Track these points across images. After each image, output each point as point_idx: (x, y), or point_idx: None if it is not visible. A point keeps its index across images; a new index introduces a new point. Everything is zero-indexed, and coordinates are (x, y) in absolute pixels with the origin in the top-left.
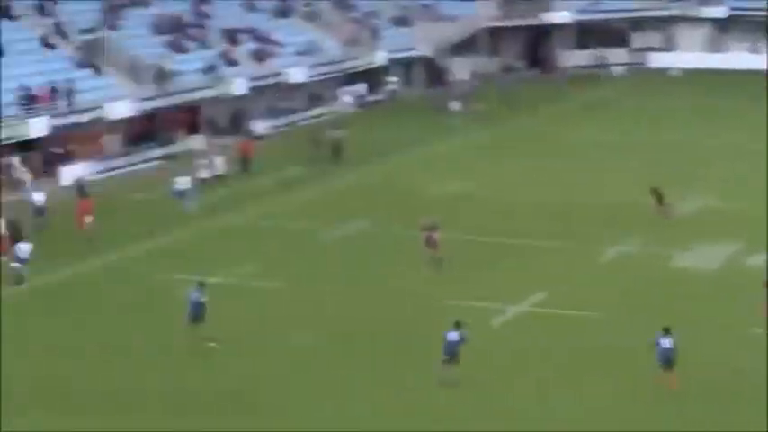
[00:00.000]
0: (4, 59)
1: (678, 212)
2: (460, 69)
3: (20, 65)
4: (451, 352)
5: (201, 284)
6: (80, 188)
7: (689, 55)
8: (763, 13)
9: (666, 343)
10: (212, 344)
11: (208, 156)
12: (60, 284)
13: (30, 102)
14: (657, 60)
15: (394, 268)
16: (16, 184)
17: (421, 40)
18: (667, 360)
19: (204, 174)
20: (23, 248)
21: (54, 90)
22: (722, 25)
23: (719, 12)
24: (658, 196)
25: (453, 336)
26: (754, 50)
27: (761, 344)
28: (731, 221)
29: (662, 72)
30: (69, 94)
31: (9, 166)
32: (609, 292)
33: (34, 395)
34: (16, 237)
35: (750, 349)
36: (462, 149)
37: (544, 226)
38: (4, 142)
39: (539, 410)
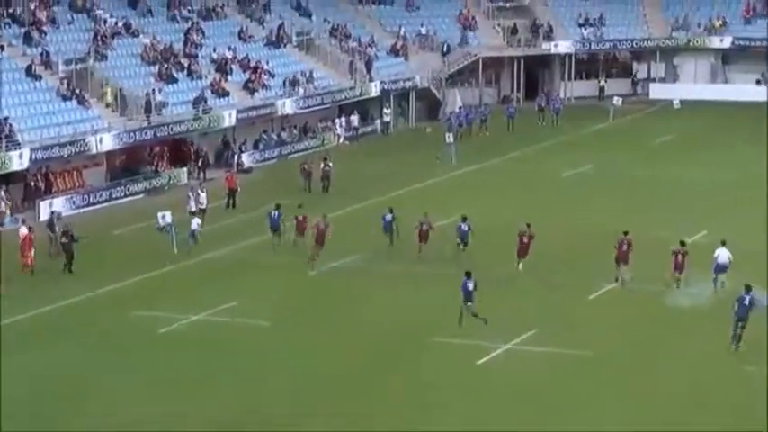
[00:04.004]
0: None
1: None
2: (457, 100)
3: (3, 96)
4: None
5: (278, 206)
6: (50, 223)
7: (691, 86)
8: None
9: (470, 284)
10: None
11: (193, 189)
12: (31, 321)
13: None
14: (660, 91)
15: (380, 305)
16: None
17: (417, 71)
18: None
19: (189, 207)
20: (194, 223)
21: None
22: (725, 56)
23: (723, 42)
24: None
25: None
26: (761, 82)
27: (759, 379)
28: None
29: (664, 103)
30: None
31: None
32: (599, 328)
33: None
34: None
35: (745, 387)
36: (456, 183)
37: (536, 262)
38: None
39: None
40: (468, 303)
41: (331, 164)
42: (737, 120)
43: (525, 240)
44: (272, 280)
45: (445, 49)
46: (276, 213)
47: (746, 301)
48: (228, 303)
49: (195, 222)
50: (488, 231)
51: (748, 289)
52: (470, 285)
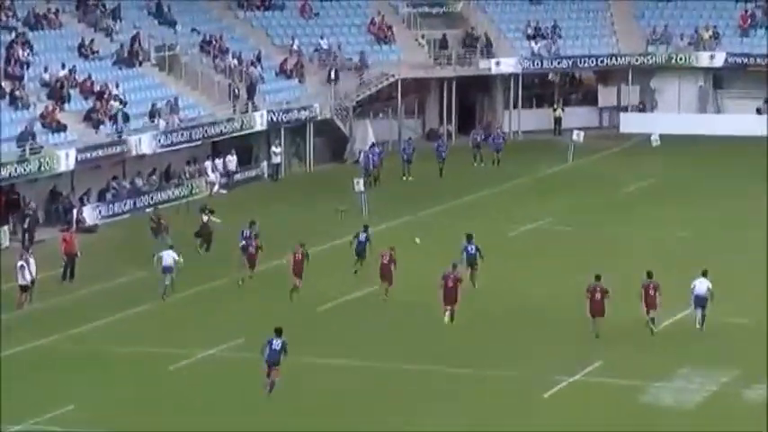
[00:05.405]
0: None
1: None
2: (368, 135)
3: None
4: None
5: (252, 223)
6: None
7: (673, 116)
8: None
9: (277, 344)
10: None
11: (20, 255)
12: None
13: None
14: (633, 123)
15: (267, 411)
16: None
17: (316, 96)
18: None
19: (16, 279)
20: (166, 256)
21: None
22: (717, 77)
23: (714, 59)
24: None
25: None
26: (762, 111)
27: None
28: (721, 340)
29: (639, 139)
30: None
31: None
32: None
33: None
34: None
35: None
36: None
37: (474, 347)
38: None
39: None
40: (273, 366)
41: (214, 218)
42: (732, 160)
43: (450, 284)
44: (121, 375)
45: (333, 75)
46: (248, 232)
47: None
48: (63, 407)
49: (170, 256)
50: (417, 308)
51: None
52: (276, 345)
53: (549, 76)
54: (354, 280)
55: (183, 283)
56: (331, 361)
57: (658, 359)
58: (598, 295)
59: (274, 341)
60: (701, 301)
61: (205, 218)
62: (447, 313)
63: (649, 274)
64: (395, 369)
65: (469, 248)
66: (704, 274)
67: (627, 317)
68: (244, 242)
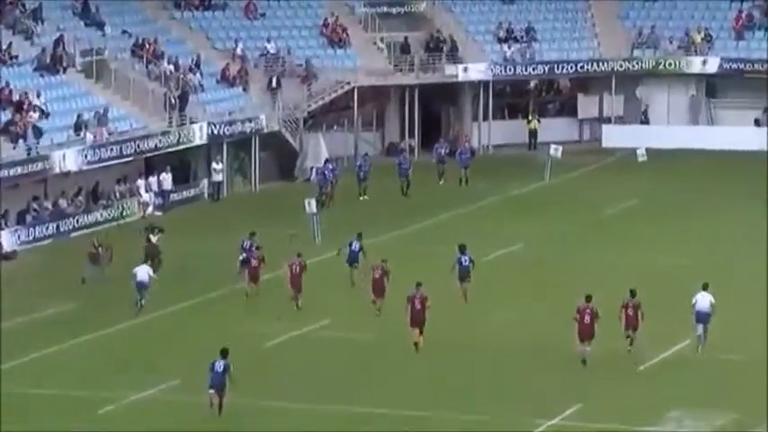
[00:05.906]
0: None
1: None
2: (321, 150)
3: None
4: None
5: (253, 234)
6: None
7: (662, 128)
8: None
9: (219, 366)
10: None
11: None
12: None
13: None
14: (617, 137)
15: None
16: None
17: (262, 107)
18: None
19: None
20: (141, 271)
21: None
22: (711, 85)
23: (706, 65)
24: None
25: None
26: (761, 122)
27: None
28: (716, 378)
29: (623, 153)
30: None
31: None
32: None
33: None
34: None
35: None
36: (321, 273)
37: (441, 387)
38: None
39: None
40: (218, 390)
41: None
42: (728, 177)
43: (418, 306)
44: (44, 421)
45: (275, 83)
46: (249, 243)
47: None
48: None
49: (145, 271)
50: (376, 345)
51: None
52: (219, 367)
53: (531, 84)
54: (307, 315)
55: (119, 314)
56: (273, 403)
57: (646, 399)
58: (587, 317)
59: (217, 363)
60: (703, 318)
61: (154, 238)
62: (416, 337)
63: (632, 293)
64: (348, 412)
65: (463, 260)
66: (705, 288)
67: (611, 351)
68: (244, 255)
